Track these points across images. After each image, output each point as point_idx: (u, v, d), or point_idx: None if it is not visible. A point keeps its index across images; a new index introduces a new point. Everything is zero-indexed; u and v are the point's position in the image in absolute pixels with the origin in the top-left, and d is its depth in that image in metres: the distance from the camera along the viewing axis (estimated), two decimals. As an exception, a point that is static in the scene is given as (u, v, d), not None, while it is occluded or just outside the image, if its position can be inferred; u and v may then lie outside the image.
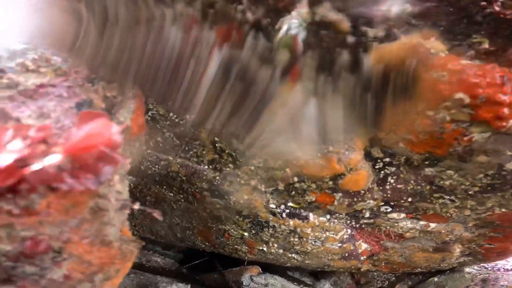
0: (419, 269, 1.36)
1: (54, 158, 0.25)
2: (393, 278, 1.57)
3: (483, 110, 0.63)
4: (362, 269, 1.34)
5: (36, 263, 0.29)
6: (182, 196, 0.97)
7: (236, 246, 1.22)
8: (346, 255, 1.17)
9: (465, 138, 0.68)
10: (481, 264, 1.35)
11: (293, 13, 0.57)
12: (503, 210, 0.85)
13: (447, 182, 0.79)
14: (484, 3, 0.60)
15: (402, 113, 0.65)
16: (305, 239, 1.09)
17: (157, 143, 0.82)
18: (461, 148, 0.70)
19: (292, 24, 0.57)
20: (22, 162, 0.24)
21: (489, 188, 0.78)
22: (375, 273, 1.58)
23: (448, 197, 0.84)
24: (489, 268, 1.31)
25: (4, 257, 0.27)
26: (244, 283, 1.35)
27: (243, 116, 0.69)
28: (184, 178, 0.88)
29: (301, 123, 0.68)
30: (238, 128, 0.71)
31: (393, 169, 0.82)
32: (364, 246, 1.15)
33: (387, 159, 0.80)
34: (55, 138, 0.27)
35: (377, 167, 0.82)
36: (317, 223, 1.01)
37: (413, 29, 0.58)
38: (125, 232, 0.42)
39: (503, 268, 1.27)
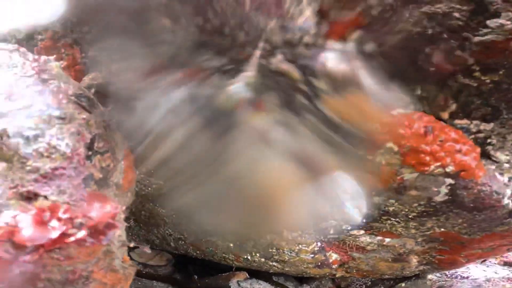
0: (387, 276, 1.51)
1: (81, 233, 0.42)
2: (369, 283, 1.71)
3: (409, 157, 0.77)
4: (337, 275, 1.49)
5: (75, 285, 0.47)
6: (173, 212, 1.12)
7: (224, 255, 1.37)
8: (319, 264, 1.32)
9: (398, 178, 0.82)
10: (443, 272, 1.49)
11: (241, 75, 0.72)
12: (442, 229, 0.99)
13: (391, 209, 0.94)
14: (418, 53, 0.72)
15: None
16: (281, 251, 1.24)
17: (149, 170, 0.94)
18: (396, 184, 0.84)
19: (237, 88, 0.72)
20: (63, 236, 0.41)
21: (424, 213, 0.92)
22: (354, 278, 1.71)
23: (394, 219, 0.99)
24: (449, 276, 1.45)
25: (57, 283, 0.45)
26: (232, 287, 1.50)
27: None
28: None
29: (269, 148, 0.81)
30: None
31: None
32: (334, 256, 1.29)
33: (343, 190, 0.95)
34: (74, 210, 0.43)
35: (335, 194, 0.97)
36: (290, 238, 1.15)
37: (351, 83, 0.72)
38: (125, 259, 0.58)
39: (461, 276, 1.41)
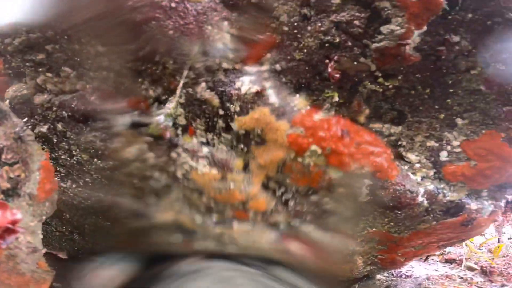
0: (340, 278, 1.54)
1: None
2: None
3: (331, 158, 0.84)
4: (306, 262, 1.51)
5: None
6: (114, 222, 1.12)
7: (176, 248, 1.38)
8: (280, 250, 1.34)
9: (326, 177, 0.88)
10: (389, 271, 1.55)
11: (167, 105, 0.79)
12: (374, 229, 1.05)
13: (328, 207, 0.99)
14: (327, 60, 0.79)
15: (266, 154, 0.85)
16: (234, 239, 1.25)
17: (87, 182, 0.98)
18: (326, 184, 0.90)
19: (162, 118, 0.79)
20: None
21: (355, 213, 0.98)
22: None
23: (333, 218, 1.04)
24: (395, 275, 1.50)
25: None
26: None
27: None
28: (116, 209, 1.04)
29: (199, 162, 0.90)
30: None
31: (290, 195, 1.02)
32: (294, 245, 1.30)
33: (283, 189, 1.00)
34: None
35: (277, 194, 1.02)
36: (241, 230, 1.18)
37: (260, 102, 0.80)
38: (41, 265, 0.63)
39: (405, 275, 1.46)
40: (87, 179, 0.98)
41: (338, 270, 1.38)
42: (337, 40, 0.76)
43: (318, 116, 0.81)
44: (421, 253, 1.23)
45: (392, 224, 1.00)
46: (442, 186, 0.86)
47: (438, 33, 0.69)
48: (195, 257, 1.53)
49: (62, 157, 0.96)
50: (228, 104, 0.82)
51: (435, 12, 0.67)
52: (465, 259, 1.48)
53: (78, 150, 0.92)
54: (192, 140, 0.87)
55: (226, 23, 0.79)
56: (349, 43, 0.76)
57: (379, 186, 0.85)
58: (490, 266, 1.35)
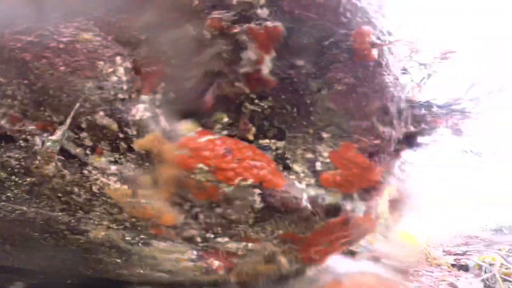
0: (274, 276, 1.63)
1: None
2: (271, 284, 1.81)
3: (218, 174, 0.93)
4: (232, 280, 1.58)
5: None
6: (47, 235, 1.16)
7: (118, 271, 1.41)
8: (204, 271, 1.41)
9: (220, 191, 0.97)
10: (316, 268, 1.65)
11: (56, 131, 0.85)
12: (281, 231, 1.15)
13: (233, 217, 1.08)
14: (210, 88, 0.88)
15: (165, 172, 0.93)
16: (160, 261, 1.31)
17: (9, 197, 1.02)
18: (222, 197, 0.99)
19: (50, 142, 0.85)
20: None
21: (258, 219, 1.07)
22: (258, 281, 1.81)
23: (241, 226, 1.13)
24: (321, 271, 1.61)
25: None
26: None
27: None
28: (42, 222, 1.08)
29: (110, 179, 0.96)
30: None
31: (199, 209, 1.09)
32: (216, 263, 1.38)
33: (189, 204, 1.07)
34: None
35: (186, 208, 1.09)
36: (161, 247, 1.24)
37: (154, 127, 0.88)
38: None
39: (329, 271, 1.57)
40: (8, 194, 1.01)
41: (266, 270, 1.47)
42: (216, 69, 0.86)
43: (205, 138, 0.90)
44: (330, 251, 1.34)
45: (293, 225, 1.10)
46: (321, 191, 0.97)
47: (285, 58, 0.81)
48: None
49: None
50: (126, 129, 0.90)
51: (278, 39, 0.79)
52: (385, 257, 1.62)
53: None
54: (101, 159, 0.94)
55: (119, 57, 0.87)
56: (225, 71, 0.86)
57: (267, 194, 0.95)
58: (400, 264, 1.49)
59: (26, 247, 1.21)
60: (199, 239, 1.24)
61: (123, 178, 0.96)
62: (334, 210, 0.99)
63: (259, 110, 0.91)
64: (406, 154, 0.94)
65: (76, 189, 1.00)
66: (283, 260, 1.43)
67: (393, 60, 0.85)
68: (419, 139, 0.91)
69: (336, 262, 1.70)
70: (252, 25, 0.77)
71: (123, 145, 0.90)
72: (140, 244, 1.22)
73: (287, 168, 0.97)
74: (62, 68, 0.84)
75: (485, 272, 1.60)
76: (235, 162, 0.90)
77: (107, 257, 1.30)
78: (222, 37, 0.82)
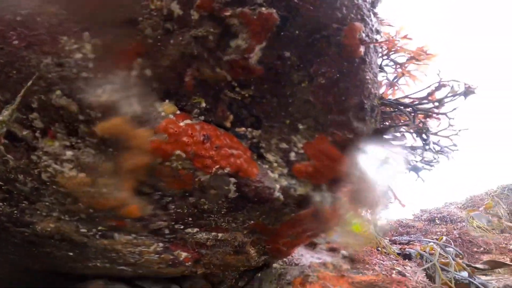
0: (242, 268, 1.58)
1: None
2: (237, 276, 1.77)
3: (196, 161, 0.86)
4: (199, 272, 1.50)
5: None
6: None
7: (71, 265, 1.25)
8: (171, 263, 1.31)
9: (196, 180, 0.90)
10: (283, 260, 1.65)
11: (3, 111, 0.72)
12: (252, 222, 1.11)
13: (205, 207, 1.01)
14: (188, 70, 0.80)
15: (131, 159, 0.83)
16: (122, 254, 1.19)
17: None
18: (198, 186, 0.92)
19: None
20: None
21: (231, 209, 1.02)
22: (226, 273, 1.74)
23: (213, 216, 1.06)
24: (287, 263, 1.61)
25: None
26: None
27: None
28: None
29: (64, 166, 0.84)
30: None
31: (170, 199, 1.00)
32: (184, 254, 1.29)
33: (159, 193, 0.98)
34: None
35: (155, 198, 0.99)
36: (124, 241, 1.12)
37: (122, 109, 0.78)
38: None
39: (294, 263, 1.58)
40: None
41: (234, 261, 1.42)
42: (195, 52, 0.79)
43: (184, 122, 0.82)
44: (297, 242, 1.34)
45: (264, 216, 1.07)
46: (293, 182, 0.95)
47: (274, 48, 0.77)
48: (97, 282, 1.42)
49: None
50: (88, 110, 0.78)
51: (271, 29, 0.74)
52: (342, 248, 1.67)
53: None
54: (54, 143, 0.80)
55: (87, 33, 0.75)
56: (205, 55, 0.79)
57: (243, 183, 0.90)
58: (355, 254, 1.54)
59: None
60: (167, 231, 1.15)
61: (80, 165, 0.83)
62: (304, 201, 0.97)
63: (239, 98, 0.86)
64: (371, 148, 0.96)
65: (21, 177, 0.85)
66: (252, 251, 1.39)
67: (375, 58, 0.86)
68: (385, 136, 0.93)
69: (299, 254, 1.71)
70: (246, 9, 0.71)
71: (82, 128, 0.78)
72: (97, 237, 1.08)
73: (261, 157, 0.93)
74: (15, 42, 0.70)
75: (426, 261, 1.73)
76: (213, 150, 0.83)
77: (57, 250, 1.13)
78: (210, 19, 0.75)
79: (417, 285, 1.42)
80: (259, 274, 1.68)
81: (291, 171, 0.93)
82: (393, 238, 2.11)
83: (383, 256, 1.78)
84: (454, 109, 0.86)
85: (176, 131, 0.81)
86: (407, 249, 1.93)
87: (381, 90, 0.96)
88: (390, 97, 0.95)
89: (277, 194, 0.93)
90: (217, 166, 0.85)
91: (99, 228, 1.06)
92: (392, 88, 0.95)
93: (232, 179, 0.90)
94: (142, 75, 0.78)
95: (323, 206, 0.97)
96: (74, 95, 0.75)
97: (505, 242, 3.07)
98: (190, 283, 1.74)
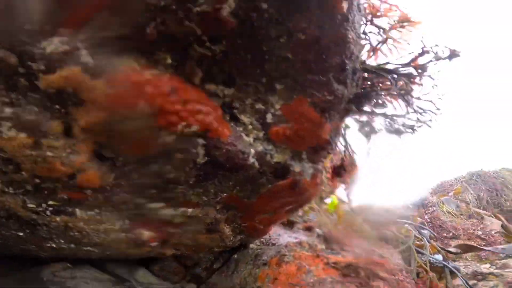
0: (216, 249, 1.50)
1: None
2: (212, 258, 1.68)
3: (160, 119, 0.76)
4: (167, 254, 1.39)
5: None
6: None
7: (22, 247, 1.11)
8: (134, 243, 1.20)
9: (160, 141, 0.80)
10: (260, 240, 1.59)
11: None
12: (225, 194, 1.02)
13: (171, 176, 0.91)
14: (153, 23, 0.71)
15: (87, 115, 0.72)
16: (85, 233, 1.07)
17: None
18: (162, 149, 0.82)
19: None
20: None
21: (200, 178, 0.92)
22: (201, 255, 1.65)
23: (180, 187, 0.96)
24: (264, 243, 1.55)
25: None
26: (45, 279, 1.24)
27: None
28: None
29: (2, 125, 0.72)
30: None
31: (132, 166, 0.89)
32: (147, 234, 1.17)
33: (121, 159, 0.87)
34: None
35: (118, 165, 0.89)
36: (86, 218, 1.01)
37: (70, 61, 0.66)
38: None
39: (271, 243, 1.52)
40: None
41: (208, 240, 1.33)
42: (162, 3, 0.69)
43: (149, 72, 0.72)
44: (275, 219, 1.28)
45: (238, 188, 0.99)
46: (270, 147, 0.88)
47: None
48: (61, 264, 1.29)
49: None
50: (30, 63, 0.66)
51: None
52: (317, 227, 1.64)
53: None
54: None
55: None
56: (174, 7, 0.69)
57: (212, 145, 0.82)
58: (330, 234, 1.52)
59: None
60: (130, 205, 1.04)
61: (21, 124, 0.71)
62: (282, 171, 0.91)
63: (210, 54, 0.76)
64: (355, 116, 0.91)
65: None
66: (226, 229, 1.31)
67: (358, 18, 0.80)
68: (367, 101, 0.88)
69: (277, 234, 1.66)
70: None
71: (23, 82, 0.67)
72: (48, 213, 0.95)
73: (234, 118, 0.85)
74: None
75: (402, 243, 1.75)
76: (180, 104, 0.74)
77: (6, 230, 1.00)
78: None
79: (395, 267, 1.42)
80: (236, 255, 1.61)
81: (267, 135, 0.86)
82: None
83: (359, 237, 1.77)
84: (438, 71, 0.82)
85: (139, 80, 0.71)
86: (383, 231, 1.94)
87: (365, 57, 0.91)
88: (373, 62, 0.90)
89: (252, 160, 0.86)
90: (184, 124, 0.76)
91: (50, 202, 0.93)
92: (375, 53, 0.89)
93: (201, 140, 0.80)
94: (99, 28, 0.67)
95: (303, 177, 0.91)
96: (14, 47, 0.63)
97: (473, 228, 3.22)
98: (160, 266, 1.63)
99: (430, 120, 0.87)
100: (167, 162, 0.86)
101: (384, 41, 0.87)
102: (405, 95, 0.83)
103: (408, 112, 0.86)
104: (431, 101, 0.86)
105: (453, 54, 0.77)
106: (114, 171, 0.89)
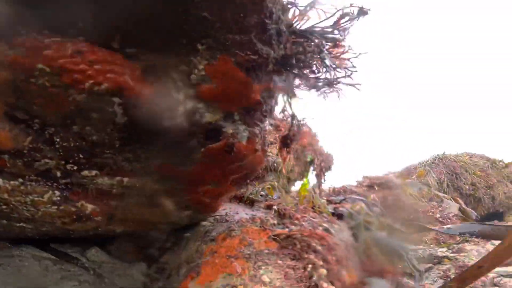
0: (164, 226, 1.47)
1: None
2: (165, 237, 1.65)
3: (64, 77, 0.72)
4: (117, 230, 1.34)
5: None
6: None
7: None
8: (75, 217, 1.15)
9: (70, 99, 0.76)
10: (216, 218, 1.57)
11: None
12: (159, 160, 0.98)
13: (94, 138, 0.86)
14: None
15: None
16: (12, 206, 1.02)
17: None
18: (75, 108, 0.78)
19: None
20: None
21: (125, 140, 0.88)
22: (153, 235, 1.61)
23: (107, 151, 0.92)
24: (219, 221, 1.53)
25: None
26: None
27: None
28: None
29: None
30: None
31: (52, 129, 0.85)
32: (90, 207, 1.13)
33: (38, 121, 0.82)
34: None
35: (35, 128, 0.84)
36: (10, 188, 0.95)
37: None
38: None
39: (225, 220, 1.50)
40: None
41: (151, 215, 1.29)
42: None
43: (51, 39, 0.68)
44: (221, 191, 1.26)
45: (168, 152, 0.95)
46: (200, 106, 0.85)
47: None
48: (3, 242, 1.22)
49: None
50: None
51: None
52: (276, 204, 1.65)
53: None
54: None
55: None
56: None
57: (131, 104, 0.78)
58: (284, 210, 1.53)
59: None
60: (59, 173, 0.99)
61: None
62: (214, 132, 0.89)
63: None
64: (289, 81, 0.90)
65: None
66: (168, 203, 1.27)
67: None
68: (296, 63, 0.87)
69: (235, 211, 1.65)
70: None
71: None
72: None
73: (158, 78, 0.81)
74: None
75: (353, 219, 1.79)
76: (86, 64, 0.70)
77: None
78: None
79: (340, 242, 1.44)
80: (188, 234, 1.59)
81: (197, 94, 0.83)
82: (330, 198, 2.16)
83: (316, 214, 1.80)
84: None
85: (36, 46, 0.67)
86: (340, 209, 1.98)
87: (291, 18, 0.89)
88: (301, 26, 0.89)
89: (180, 119, 0.83)
90: (91, 82, 0.72)
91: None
92: (302, 17, 0.88)
93: (116, 99, 0.77)
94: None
95: (237, 140, 0.89)
96: None
97: (432, 210, 3.37)
98: (116, 246, 1.60)
99: (345, 77, 0.89)
100: (86, 123, 0.82)
101: (312, 6, 0.86)
102: (322, 54, 0.83)
103: (327, 71, 0.87)
104: (348, 60, 0.87)
105: (361, 12, 0.78)
106: (31, 134, 0.84)
